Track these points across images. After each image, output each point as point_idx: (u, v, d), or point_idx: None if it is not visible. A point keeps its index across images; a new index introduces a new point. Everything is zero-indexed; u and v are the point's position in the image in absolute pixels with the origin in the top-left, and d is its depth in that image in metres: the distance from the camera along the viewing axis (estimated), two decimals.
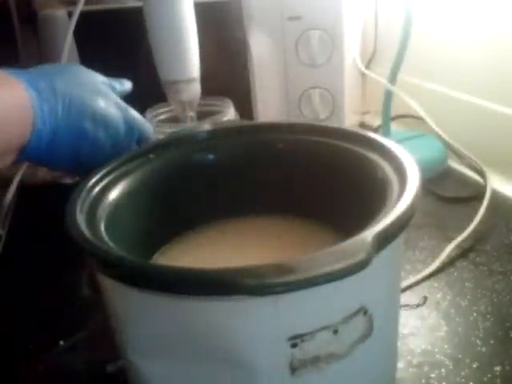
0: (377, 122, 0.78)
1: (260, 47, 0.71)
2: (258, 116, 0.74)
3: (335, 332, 0.24)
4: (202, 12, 0.58)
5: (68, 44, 0.60)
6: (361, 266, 0.22)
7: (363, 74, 0.84)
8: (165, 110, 0.68)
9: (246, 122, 0.61)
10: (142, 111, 0.66)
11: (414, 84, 0.76)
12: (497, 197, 0.59)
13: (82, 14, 0.59)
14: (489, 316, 0.41)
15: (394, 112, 0.72)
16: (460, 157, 0.69)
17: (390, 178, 0.31)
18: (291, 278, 0.21)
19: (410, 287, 0.46)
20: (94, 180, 0.33)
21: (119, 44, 0.71)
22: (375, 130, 0.75)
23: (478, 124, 0.66)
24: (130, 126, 0.40)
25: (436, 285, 0.46)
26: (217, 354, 0.25)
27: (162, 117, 0.68)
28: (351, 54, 0.79)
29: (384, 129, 0.71)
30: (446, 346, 0.39)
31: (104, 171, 0.34)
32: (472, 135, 0.67)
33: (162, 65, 0.57)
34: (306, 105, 0.73)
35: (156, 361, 0.27)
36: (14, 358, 0.41)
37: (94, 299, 0.46)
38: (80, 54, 0.68)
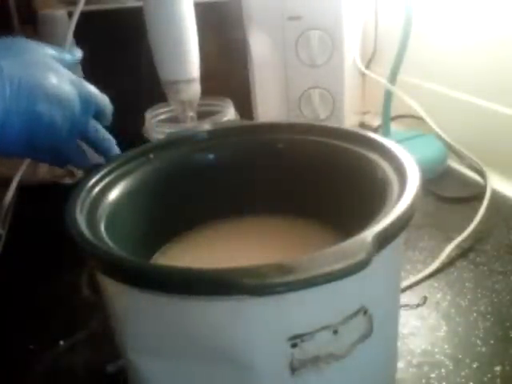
0: (377, 122, 0.78)
1: (260, 47, 0.71)
2: (258, 116, 0.74)
3: (335, 332, 0.24)
4: (202, 12, 0.58)
5: (68, 44, 0.60)
6: (361, 266, 0.22)
7: (363, 74, 0.84)
8: (165, 110, 0.68)
9: (245, 122, 0.61)
10: (142, 111, 0.67)
11: (414, 84, 0.76)
12: (497, 197, 0.59)
13: (82, 14, 0.59)
14: (489, 316, 0.41)
15: (393, 112, 0.71)
16: (460, 157, 0.69)
17: (390, 178, 0.31)
18: (291, 278, 0.21)
19: (410, 287, 0.46)
20: (93, 180, 0.33)
21: (119, 44, 0.71)
22: (375, 130, 0.75)
23: (478, 124, 0.66)
24: (86, 100, 0.37)
25: (436, 285, 0.46)
26: (216, 353, 0.25)
27: (162, 117, 0.68)
28: (351, 54, 0.79)
29: (384, 129, 0.71)
30: (445, 346, 0.39)
31: (104, 171, 0.34)
32: (472, 135, 0.67)
33: (162, 65, 0.57)
34: (305, 105, 0.73)
35: (156, 361, 0.27)
36: (14, 358, 0.41)
37: (93, 299, 0.46)
38: None
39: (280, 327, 0.24)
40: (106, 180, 0.34)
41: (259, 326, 0.24)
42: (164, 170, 0.38)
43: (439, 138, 0.70)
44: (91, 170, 0.34)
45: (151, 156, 0.37)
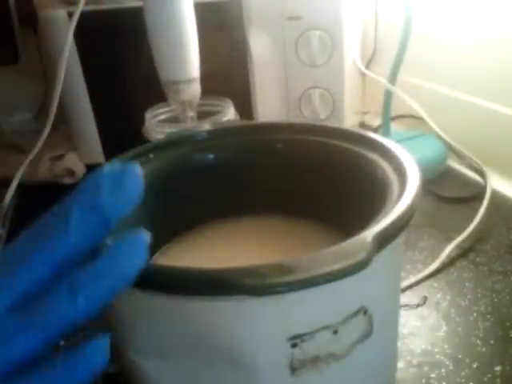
0: (377, 121, 0.78)
1: (260, 47, 0.71)
2: (258, 116, 0.74)
3: (335, 332, 0.24)
4: (201, 12, 0.58)
5: (68, 44, 0.60)
6: (361, 266, 0.22)
7: (363, 74, 0.84)
8: (165, 109, 0.68)
9: (245, 122, 0.61)
10: (142, 111, 0.67)
11: (414, 84, 0.76)
12: (497, 197, 0.59)
13: (82, 14, 0.59)
14: (489, 316, 0.41)
15: (393, 112, 0.72)
16: (460, 157, 0.69)
17: (390, 178, 0.31)
18: (291, 278, 0.21)
19: (410, 287, 0.46)
20: None
21: (119, 44, 0.71)
22: (375, 130, 0.75)
23: (478, 124, 0.66)
24: None
25: (436, 285, 0.46)
26: (216, 353, 0.25)
27: (162, 117, 0.68)
28: (351, 54, 0.79)
29: (384, 129, 0.71)
30: (445, 346, 0.39)
31: None
32: (472, 135, 0.67)
33: (162, 65, 0.57)
34: (305, 105, 0.73)
35: (156, 361, 0.27)
36: None
37: None
38: (80, 54, 0.68)
39: (280, 327, 0.24)
40: None
41: (259, 326, 0.24)
42: (164, 170, 0.38)
43: (439, 138, 0.70)
44: None
45: (151, 156, 0.37)
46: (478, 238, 0.52)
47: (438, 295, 0.45)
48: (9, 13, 0.78)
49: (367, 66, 0.85)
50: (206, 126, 0.41)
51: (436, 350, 0.39)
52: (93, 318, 0.22)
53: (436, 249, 0.50)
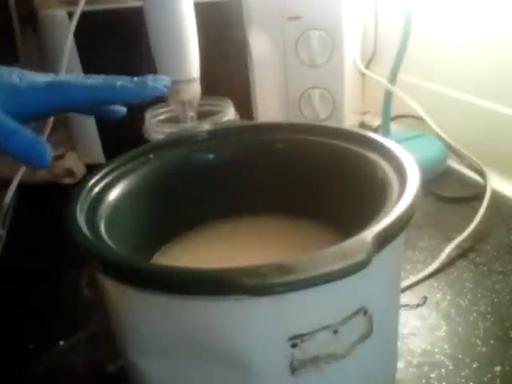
0: (377, 122, 0.78)
1: (260, 47, 0.71)
2: (258, 116, 0.74)
3: (335, 332, 0.24)
4: (201, 12, 0.58)
5: (68, 44, 0.60)
6: (361, 266, 0.22)
7: (363, 74, 0.84)
8: (165, 109, 0.68)
9: (245, 122, 0.60)
10: (142, 111, 0.67)
11: (414, 84, 0.76)
12: (497, 197, 0.59)
13: (82, 14, 0.59)
14: (489, 316, 0.41)
15: (393, 112, 0.71)
16: (460, 157, 0.69)
17: (390, 178, 0.31)
18: (291, 278, 0.21)
19: (410, 287, 0.46)
20: (93, 180, 0.33)
21: (119, 44, 0.71)
22: (375, 130, 0.75)
23: (478, 124, 0.66)
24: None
25: (436, 285, 0.46)
26: (216, 353, 0.25)
27: (162, 117, 0.68)
28: (351, 54, 0.79)
29: (384, 129, 0.71)
30: (445, 346, 0.39)
31: (104, 171, 0.34)
32: (472, 135, 0.67)
33: (162, 65, 0.57)
34: (305, 105, 0.73)
35: (156, 361, 0.27)
36: (14, 358, 0.41)
37: (94, 299, 0.46)
38: (80, 54, 0.68)
39: (280, 327, 0.24)
40: (106, 180, 0.34)
41: (259, 326, 0.24)
42: (164, 170, 0.38)
43: (439, 138, 0.70)
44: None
45: (151, 156, 0.37)
46: (477, 238, 0.52)
47: (438, 295, 0.45)
48: (9, 12, 0.78)
49: (367, 66, 0.85)
50: (206, 126, 0.41)
51: (436, 349, 0.39)
52: None
53: (436, 249, 0.50)
